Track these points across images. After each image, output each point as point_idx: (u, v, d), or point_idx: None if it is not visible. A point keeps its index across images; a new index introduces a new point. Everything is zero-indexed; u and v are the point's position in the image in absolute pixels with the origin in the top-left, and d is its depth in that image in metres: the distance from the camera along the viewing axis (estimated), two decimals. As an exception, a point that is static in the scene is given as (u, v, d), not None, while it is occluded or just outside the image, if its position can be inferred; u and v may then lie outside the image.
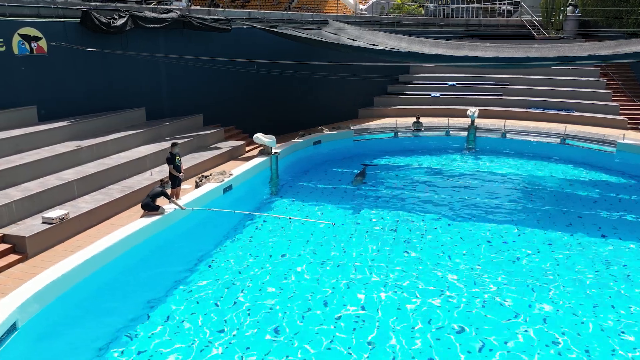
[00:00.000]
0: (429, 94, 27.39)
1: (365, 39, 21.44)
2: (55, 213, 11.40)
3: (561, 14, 31.62)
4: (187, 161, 16.38)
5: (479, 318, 9.37)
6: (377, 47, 20.00)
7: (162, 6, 17.97)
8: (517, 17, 34.33)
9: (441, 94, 27.34)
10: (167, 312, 9.51)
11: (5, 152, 13.00)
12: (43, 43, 14.64)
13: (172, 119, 18.32)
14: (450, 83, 27.96)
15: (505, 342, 8.62)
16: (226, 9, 20.27)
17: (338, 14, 28.01)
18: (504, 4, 39.08)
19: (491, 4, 41.18)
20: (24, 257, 10.54)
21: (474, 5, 41.34)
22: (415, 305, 9.74)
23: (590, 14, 30.80)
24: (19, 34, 14.03)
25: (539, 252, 12.16)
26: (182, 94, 18.92)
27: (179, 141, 16.89)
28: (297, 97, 23.12)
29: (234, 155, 18.36)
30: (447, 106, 26.25)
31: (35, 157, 13.11)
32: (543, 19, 32.14)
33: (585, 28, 30.77)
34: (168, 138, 17.24)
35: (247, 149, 19.24)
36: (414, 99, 27.20)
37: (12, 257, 10.42)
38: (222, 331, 8.91)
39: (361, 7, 38.83)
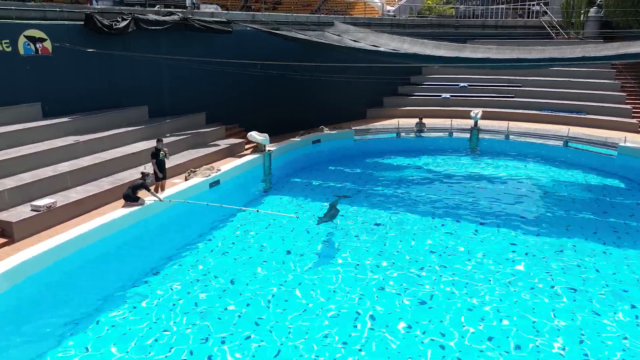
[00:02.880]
0: (440, 95, 27.45)
1: (368, 40, 21.76)
2: (43, 201, 12.30)
3: (582, 15, 31.03)
4: (184, 157, 17.17)
5: (477, 321, 9.48)
6: (377, 49, 20.29)
7: (165, 9, 18.80)
8: (540, 18, 33.83)
9: (451, 96, 27.34)
10: (141, 296, 10.17)
11: (6, 145, 14.03)
12: (48, 44, 15.67)
13: (173, 117, 19.12)
14: (462, 84, 27.90)
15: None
16: (229, 11, 20.94)
17: (365, 16, 28.42)
18: (533, 5, 38.53)
19: (520, 5, 40.70)
20: (11, 241, 11.44)
21: (504, 6, 40.94)
22: (408, 307, 9.91)
23: (611, 15, 30.10)
24: (24, 36, 15.08)
25: (535, 253, 12.29)
26: (184, 93, 19.73)
27: (176, 138, 17.87)
28: (302, 97, 23.60)
29: (233, 152, 18.99)
30: (456, 107, 26.23)
31: (33, 150, 14.11)
32: (563, 20, 31.61)
33: (608, 29, 30.11)
34: (168, 135, 18.07)
35: (247, 146, 19.84)
36: (424, 100, 27.29)
37: (0, 240, 11.35)
38: (195, 314, 9.56)
39: (389, 8, 39.01)
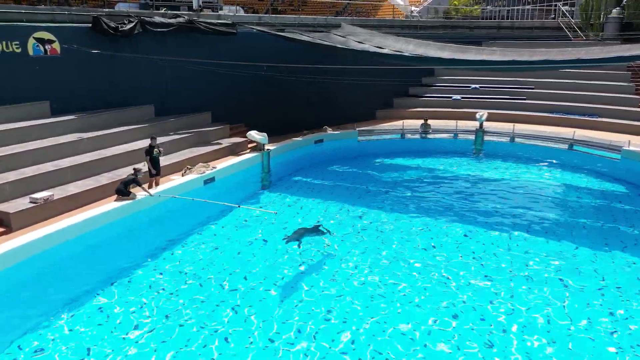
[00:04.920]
0: (450, 97, 27.42)
1: (373, 42, 21.95)
2: (41, 194, 13.02)
3: (602, 16, 30.45)
4: (185, 155, 17.78)
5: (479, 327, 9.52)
6: (380, 50, 20.45)
7: (171, 11, 19.47)
8: (558, 19, 33.33)
9: (462, 97, 27.28)
10: (126, 285, 10.77)
11: (13, 141, 14.87)
12: (56, 45, 16.51)
13: (179, 116, 19.76)
14: (473, 86, 27.81)
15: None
16: (231, 13, 21.45)
17: (390, 18, 28.51)
18: (560, 4, 37.93)
19: (547, 6, 40.11)
20: (8, 231, 12.18)
21: (529, 6, 40.46)
22: (405, 312, 9.96)
23: (631, 17, 29.49)
24: (34, 37, 15.95)
25: (532, 258, 12.31)
26: (190, 93, 20.35)
27: (180, 136, 18.51)
28: (310, 98, 23.92)
29: (235, 151, 19.48)
30: (466, 109, 26.09)
31: (37, 146, 14.92)
32: (582, 21, 31.10)
33: (629, 30, 29.46)
34: (171, 133, 18.74)
35: (250, 146, 20.31)
36: (434, 102, 27.34)
37: (-1, 230, 12.12)
38: (177, 304, 10.11)
39: (413, 9, 39.06)
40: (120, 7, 23.33)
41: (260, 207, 14.57)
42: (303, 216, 14.79)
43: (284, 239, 12.83)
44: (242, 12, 27.21)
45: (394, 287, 10.85)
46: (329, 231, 13.34)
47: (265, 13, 34.30)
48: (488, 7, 47.68)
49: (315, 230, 13.34)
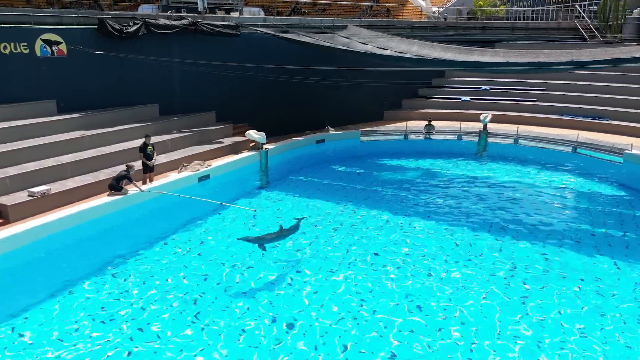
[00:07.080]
0: (459, 98, 27.31)
1: (377, 43, 22.08)
2: (38, 188, 13.68)
3: (621, 17, 29.85)
4: (185, 152, 18.30)
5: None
6: (382, 52, 20.56)
7: (176, 14, 20.06)
8: (575, 20, 32.81)
9: (471, 99, 27.15)
10: (114, 276, 11.24)
11: (17, 138, 15.63)
12: (63, 47, 17.25)
13: (183, 115, 20.32)
14: (483, 87, 27.64)
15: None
16: (235, 15, 21.89)
17: (412, 19, 28.54)
18: (585, 4, 37.26)
19: (571, 6, 39.46)
20: (6, 222, 12.86)
21: (554, 7, 39.88)
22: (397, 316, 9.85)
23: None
24: (41, 39, 16.72)
25: (531, 263, 12.21)
26: (194, 93, 20.88)
27: (182, 134, 19.07)
28: (315, 99, 24.13)
29: (237, 150, 19.89)
30: (475, 110, 25.89)
31: (41, 142, 15.64)
32: (600, 22, 30.54)
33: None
34: (174, 131, 19.30)
35: (252, 144, 20.70)
36: (443, 103, 27.31)
37: (-4, 221, 12.82)
38: (161, 295, 10.49)
39: (435, 9, 39.00)
40: (144, 10, 24.30)
41: (254, 207, 14.84)
42: (297, 214, 14.89)
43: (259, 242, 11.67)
44: (262, 14, 27.73)
45: (390, 286, 10.90)
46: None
47: (289, 15, 34.80)
48: (514, 7, 47.15)
49: (286, 231, 12.12)
